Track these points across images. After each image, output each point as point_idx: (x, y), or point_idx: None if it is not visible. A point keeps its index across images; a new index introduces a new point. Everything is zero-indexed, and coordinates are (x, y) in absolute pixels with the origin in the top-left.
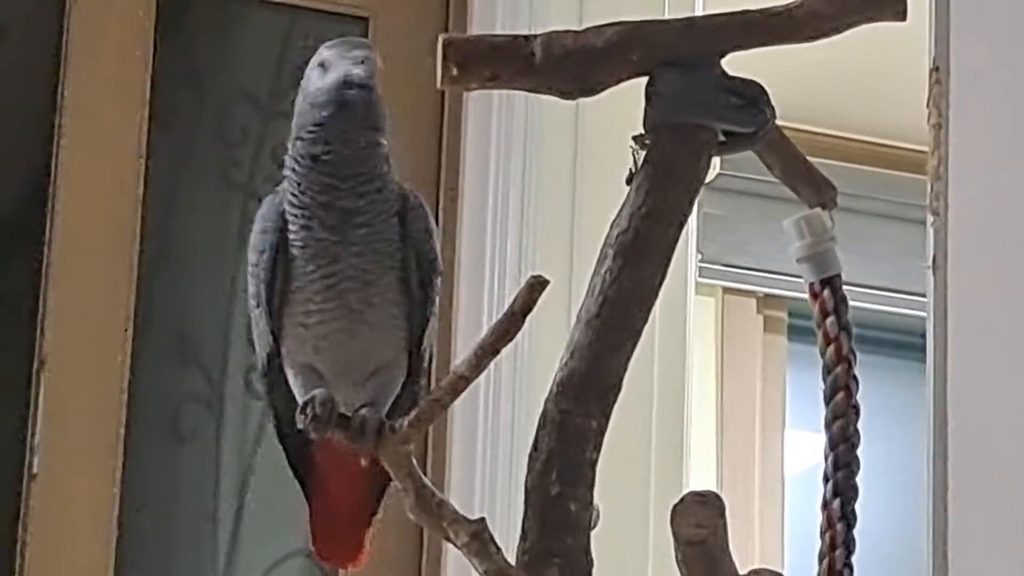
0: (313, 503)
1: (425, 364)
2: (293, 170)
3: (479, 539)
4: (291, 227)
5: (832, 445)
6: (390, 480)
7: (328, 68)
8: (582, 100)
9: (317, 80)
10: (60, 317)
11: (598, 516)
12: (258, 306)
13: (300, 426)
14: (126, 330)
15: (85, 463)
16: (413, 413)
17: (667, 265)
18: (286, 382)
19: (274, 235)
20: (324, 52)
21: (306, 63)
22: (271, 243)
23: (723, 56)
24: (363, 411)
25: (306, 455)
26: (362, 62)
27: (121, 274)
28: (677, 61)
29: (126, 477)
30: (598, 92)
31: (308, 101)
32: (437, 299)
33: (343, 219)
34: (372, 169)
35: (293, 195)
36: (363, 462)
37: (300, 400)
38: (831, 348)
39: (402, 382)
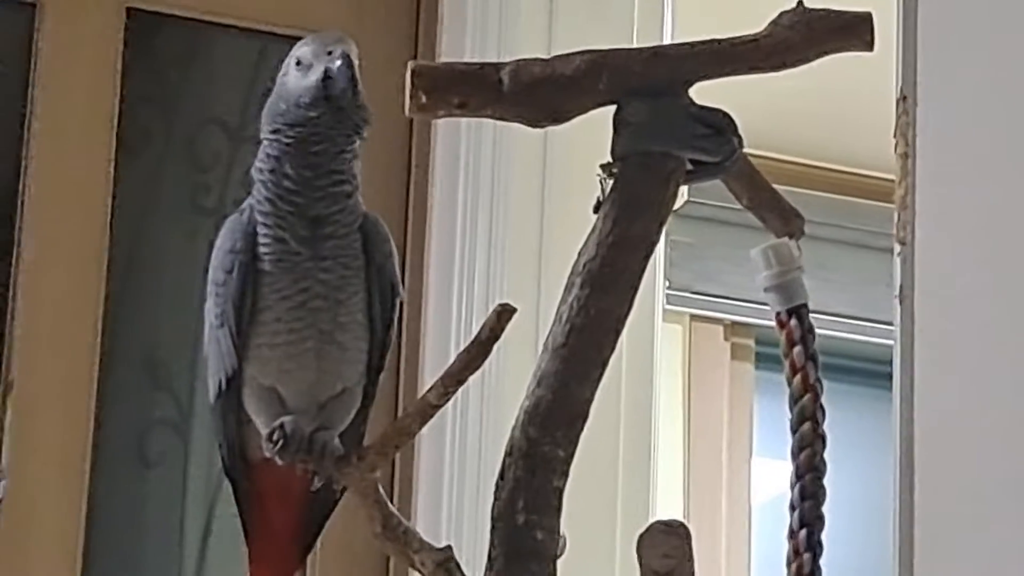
0: (250, 530)
1: (375, 389)
2: (271, 171)
3: (445, 567)
4: (262, 241)
5: (798, 475)
6: (329, 513)
7: (307, 66)
8: (550, 128)
9: (297, 79)
10: (27, 341)
11: (565, 545)
12: (222, 325)
13: (267, 453)
14: (94, 354)
15: (52, 488)
16: (380, 440)
17: (634, 293)
18: (239, 406)
19: (244, 254)
20: (300, 49)
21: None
22: (241, 261)
23: (691, 85)
24: (321, 435)
25: (248, 481)
26: (340, 58)
27: (89, 298)
28: (645, 90)
29: (93, 501)
30: (566, 120)
31: (289, 101)
32: (395, 323)
33: (313, 227)
34: (345, 174)
35: (267, 200)
36: (301, 490)
37: (264, 426)
38: (798, 377)
39: (357, 408)
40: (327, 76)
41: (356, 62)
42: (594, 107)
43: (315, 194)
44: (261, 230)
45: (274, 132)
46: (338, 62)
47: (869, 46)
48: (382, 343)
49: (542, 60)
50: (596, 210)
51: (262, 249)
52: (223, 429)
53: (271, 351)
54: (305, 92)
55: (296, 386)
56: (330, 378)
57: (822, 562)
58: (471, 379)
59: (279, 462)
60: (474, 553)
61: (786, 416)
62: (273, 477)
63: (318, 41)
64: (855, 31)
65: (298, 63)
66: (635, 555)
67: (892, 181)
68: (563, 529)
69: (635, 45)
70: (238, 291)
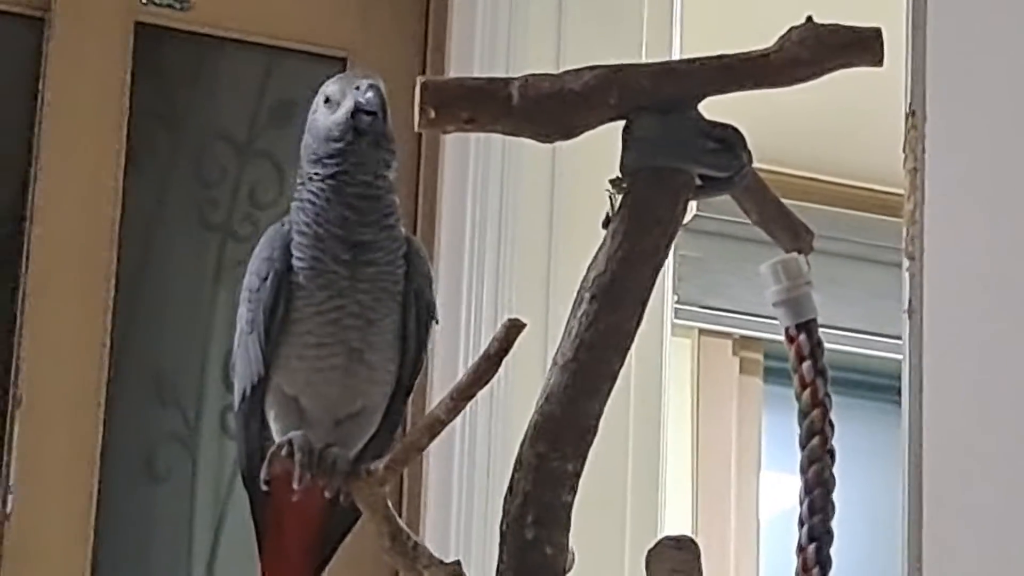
0: (264, 542)
1: (405, 410)
2: (311, 202)
3: None
4: (297, 255)
5: (807, 490)
6: (348, 529)
7: (335, 102)
8: (559, 143)
9: (326, 116)
10: (35, 356)
11: (573, 560)
12: (252, 332)
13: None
14: (102, 369)
15: (60, 502)
16: (389, 455)
17: (644, 308)
18: (262, 417)
19: (281, 262)
20: (329, 87)
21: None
22: (277, 269)
23: (700, 100)
24: (333, 450)
25: (264, 497)
26: (369, 90)
27: (97, 313)
28: (654, 105)
29: (101, 516)
30: (575, 135)
31: (319, 137)
32: (430, 346)
33: (356, 253)
34: (388, 204)
35: (307, 224)
36: (319, 505)
37: (278, 435)
38: (807, 392)
39: (375, 429)
40: (357, 109)
41: (384, 95)
42: (603, 122)
43: (359, 224)
44: (298, 247)
45: (310, 171)
46: (368, 94)
47: (879, 61)
48: (414, 363)
49: (551, 75)
50: (605, 225)
51: (297, 264)
52: (244, 437)
53: (299, 362)
54: (335, 127)
55: (319, 399)
56: (352, 395)
57: None
58: (479, 394)
59: (294, 484)
60: (483, 568)
61: (795, 430)
62: (291, 489)
63: (346, 77)
64: (865, 46)
65: (327, 100)
66: (644, 570)
67: (901, 196)
68: (572, 544)
69: (644, 60)
70: (271, 299)
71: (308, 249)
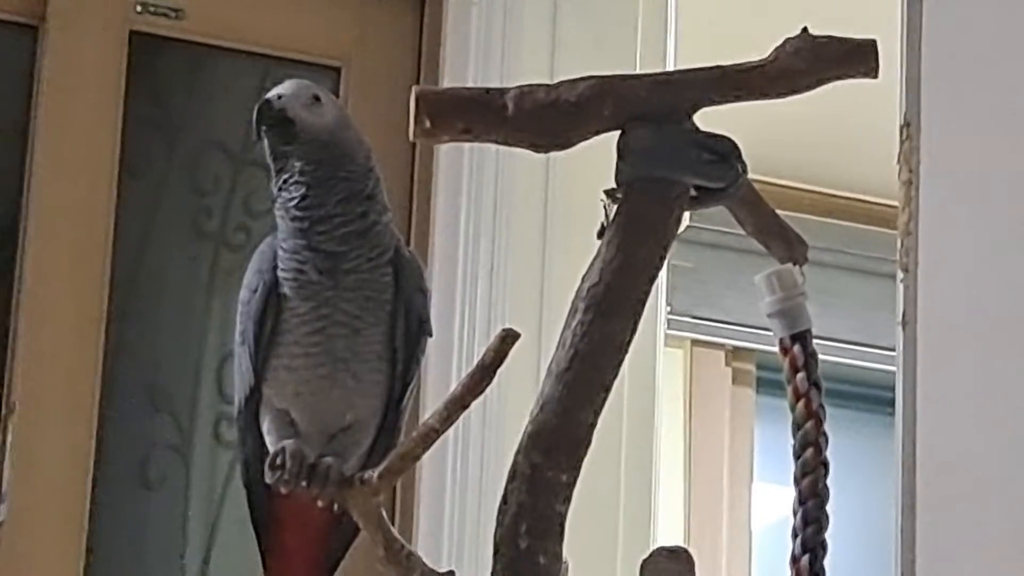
0: (269, 558)
1: (401, 424)
2: (285, 213)
3: None
4: (281, 267)
5: (801, 501)
6: (350, 542)
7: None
8: (553, 154)
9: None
10: (29, 363)
11: (567, 570)
12: (243, 343)
13: (268, 480)
14: (95, 377)
15: (53, 510)
16: (383, 465)
17: (638, 319)
18: (258, 428)
19: (269, 274)
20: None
21: None
22: (265, 281)
23: (695, 111)
24: (326, 459)
25: (267, 507)
26: (255, 111)
27: (91, 321)
28: (649, 116)
29: (94, 524)
30: (570, 146)
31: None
32: (422, 360)
33: (333, 263)
34: (357, 212)
35: (284, 236)
36: (322, 519)
37: (271, 449)
38: (801, 403)
39: (370, 443)
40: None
41: (291, 91)
42: (598, 133)
43: (327, 233)
44: (281, 258)
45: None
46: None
47: (874, 73)
48: (404, 376)
49: (547, 86)
50: (600, 236)
51: (282, 275)
52: (242, 448)
53: (288, 374)
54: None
55: (308, 411)
56: (341, 407)
57: None
58: (474, 404)
59: (282, 490)
60: None
61: (787, 441)
62: (293, 501)
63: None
64: (860, 58)
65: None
66: None
67: (896, 207)
68: (565, 554)
69: (638, 71)
70: (259, 311)
71: (289, 260)
